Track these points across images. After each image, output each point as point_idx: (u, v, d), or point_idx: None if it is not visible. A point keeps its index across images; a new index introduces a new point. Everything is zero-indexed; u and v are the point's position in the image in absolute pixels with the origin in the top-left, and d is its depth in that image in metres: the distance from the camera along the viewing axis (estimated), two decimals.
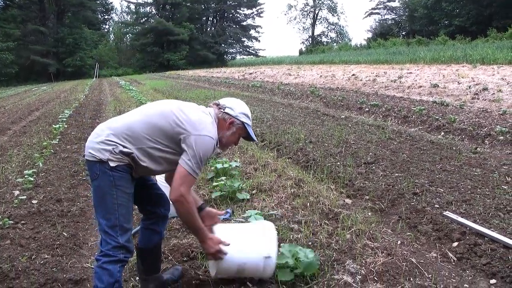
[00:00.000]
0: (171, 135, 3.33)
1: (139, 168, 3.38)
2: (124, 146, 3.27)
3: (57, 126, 13.03)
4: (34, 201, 6.44)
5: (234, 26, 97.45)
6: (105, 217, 3.27)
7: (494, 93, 16.21)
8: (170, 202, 3.50)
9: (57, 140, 11.07)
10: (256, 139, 3.85)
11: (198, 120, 3.38)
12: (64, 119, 15.06)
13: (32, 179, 7.29)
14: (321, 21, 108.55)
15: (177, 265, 4.30)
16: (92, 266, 4.67)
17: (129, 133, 3.30)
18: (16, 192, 6.82)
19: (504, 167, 7.44)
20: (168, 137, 3.34)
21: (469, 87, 18.28)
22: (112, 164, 3.24)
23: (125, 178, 3.33)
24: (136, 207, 3.85)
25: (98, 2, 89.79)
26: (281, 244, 4.42)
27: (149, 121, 3.36)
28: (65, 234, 5.32)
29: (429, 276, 4.09)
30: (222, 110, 3.61)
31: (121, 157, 3.27)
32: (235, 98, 3.82)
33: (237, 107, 3.64)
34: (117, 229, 3.27)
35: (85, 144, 3.44)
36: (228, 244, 3.59)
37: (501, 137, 9.39)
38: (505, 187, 6.39)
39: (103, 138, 3.30)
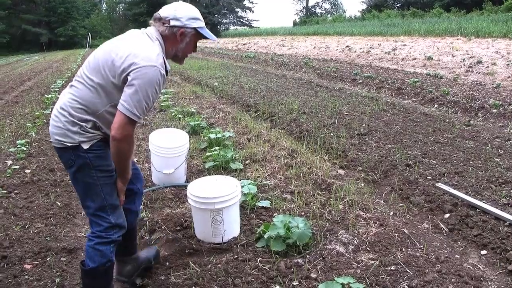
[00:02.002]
0: (119, 87, 2.97)
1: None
2: (87, 121, 3.01)
3: (50, 96, 12.97)
4: (27, 171, 6.43)
5: None
6: (91, 200, 3.12)
7: (488, 66, 16.18)
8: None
9: (50, 110, 10.99)
10: (215, 38, 3.42)
11: (133, 54, 2.93)
12: (57, 89, 14.98)
13: (24, 148, 7.27)
14: None
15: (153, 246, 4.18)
16: (85, 235, 4.69)
17: (83, 104, 3.00)
18: (9, 162, 6.82)
19: (497, 140, 7.47)
20: (117, 90, 2.99)
21: (463, 60, 18.24)
22: (85, 146, 3.02)
23: (102, 156, 3.12)
24: None
25: None
26: (274, 215, 4.46)
27: (92, 85, 3.00)
28: (59, 204, 5.32)
29: (421, 246, 4.12)
30: (167, 25, 3.15)
31: (92, 134, 3.04)
32: (175, 2, 3.29)
33: (182, 14, 3.15)
34: (107, 209, 3.15)
35: (49, 130, 3.17)
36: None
37: (494, 110, 9.41)
38: (497, 160, 6.42)
39: (63, 119, 3.01)
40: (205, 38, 3.28)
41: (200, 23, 3.23)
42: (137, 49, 2.96)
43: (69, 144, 3.00)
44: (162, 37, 3.16)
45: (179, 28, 3.14)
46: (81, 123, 2.98)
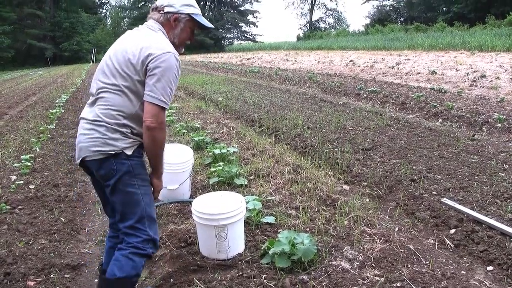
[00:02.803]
0: (142, 82, 3.00)
1: None
2: (126, 126, 3.01)
3: (54, 110, 13.05)
4: (31, 186, 6.44)
5: (231, 11, 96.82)
6: (131, 212, 3.05)
7: (492, 80, 16.18)
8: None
9: (54, 125, 11.07)
10: (211, 26, 3.44)
11: (146, 47, 3.00)
12: (61, 104, 15.07)
13: (29, 164, 7.28)
14: (319, 7, 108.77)
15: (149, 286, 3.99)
16: (89, 252, 4.68)
17: (117, 109, 2.98)
18: (13, 177, 6.82)
19: (502, 154, 7.44)
20: (142, 86, 3.00)
21: (467, 74, 18.24)
22: (128, 152, 3.02)
23: (141, 163, 3.15)
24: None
25: None
26: (279, 231, 4.45)
27: (118, 89, 3.00)
28: (63, 220, 5.32)
29: (427, 262, 4.10)
30: (162, 11, 3.23)
31: (133, 139, 3.05)
32: None
33: (176, 1, 3.22)
34: (145, 220, 3.08)
35: (78, 148, 3.08)
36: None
37: (499, 125, 9.38)
38: (503, 174, 6.39)
39: (101, 129, 2.97)
40: (201, 26, 3.36)
41: (194, 10, 3.28)
42: (147, 41, 3.04)
43: (112, 152, 2.97)
44: (160, 24, 3.24)
45: (172, 14, 3.22)
46: (121, 129, 3.00)
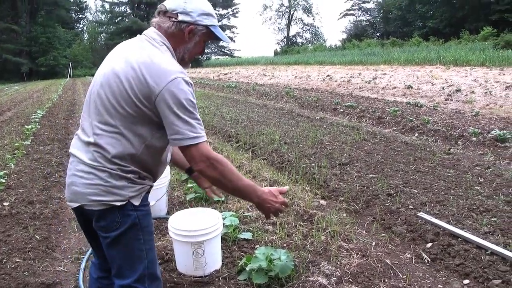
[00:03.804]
0: (143, 118, 2.48)
1: (157, 174, 2.78)
2: (133, 172, 2.55)
3: (30, 126, 12.89)
4: (6, 203, 6.34)
5: None
6: (131, 269, 2.61)
7: (467, 95, 16.42)
8: None
9: (30, 141, 10.93)
10: (229, 40, 2.95)
11: (147, 75, 2.41)
12: (37, 120, 14.91)
13: (3, 180, 7.17)
14: (296, 22, 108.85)
15: None
16: (65, 270, 4.62)
17: (116, 154, 2.49)
18: None
19: (477, 167, 7.52)
20: (141, 123, 2.50)
21: (443, 88, 18.47)
22: (136, 202, 2.56)
23: (149, 212, 2.71)
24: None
25: (72, 1, 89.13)
26: (256, 247, 4.44)
27: (113, 131, 2.49)
28: (37, 237, 5.23)
29: (404, 277, 4.12)
30: (174, 19, 2.59)
31: (141, 186, 2.60)
32: None
33: (194, 8, 2.60)
34: (145, 279, 2.64)
35: (71, 191, 2.58)
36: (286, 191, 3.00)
37: (474, 138, 9.49)
38: (478, 188, 6.45)
39: (103, 175, 2.49)
40: (217, 39, 2.76)
41: (214, 21, 2.71)
42: (146, 64, 2.43)
43: (117, 204, 2.49)
44: (167, 35, 2.62)
45: (188, 24, 2.60)
46: (127, 175, 2.51)
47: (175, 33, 2.61)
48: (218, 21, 2.86)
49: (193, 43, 2.68)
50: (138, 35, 2.70)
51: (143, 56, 2.47)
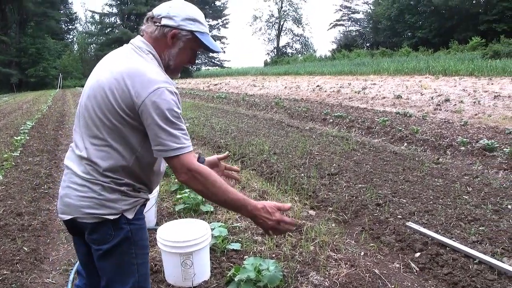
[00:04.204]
0: (131, 128, 2.41)
1: (153, 185, 2.70)
2: (127, 184, 2.49)
3: (19, 138, 12.84)
4: None
5: None
6: (121, 283, 2.55)
7: (455, 104, 16.53)
8: None
9: (19, 152, 10.89)
10: (219, 49, 2.76)
11: (130, 86, 2.34)
12: (26, 131, 14.85)
13: None
14: (286, 32, 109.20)
15: None
16: (53, 281, 4.60)
17: (108, 166, 2.43)
18: None
19: (465, 177, 7.56)
20: (130, 133, 2.43)
21: (432, 98, 18.59)
22: (129, 215, 2.50)
23: (143, 226, 2.64)
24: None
25: (61, 12, 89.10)
26: (245, 257, 4.44)
27: (103, 144, 2.44)
28: (26, 249, 5.21)
29: (392, 286, 4.13)
30: (158, 24, 2.51)
31: (135, 199, 2.54)
32: (176, 0, 2.61)
33: (177, 12, 2.51)
34: None
35: (64, 202, 2.53)
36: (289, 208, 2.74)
37: (462, 148, 9.54)
38: (466, 197, 6.48)
39: (96, 188, 2.44)
40: (206, 48, 2.65)
41: (200, 27, 2.59)
42: (129, 74, 2.35)
43: (111, 217, 2.44)
44: (152, 40, 2.55)
45: (171, 28, 2.50)
46: (121, 188, 2.45)
47: (159, 38, 2.53)
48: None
49: (177, 48, 2.56)
50: (125, 45, 2.63)
51: (127, 66, 2.41)
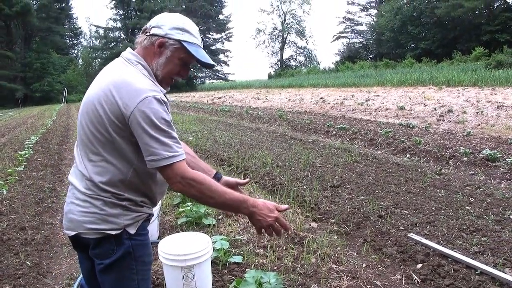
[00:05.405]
0: (126, 141, 2.40)
1: (156, 198, 2.67)
2: (128, 199, 2.47)
3: (23, 152, 12.88)
4: None
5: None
6: None
7: (458, 115, 16.52)
8: None
9: (23, 167, 10.92)
10: (211, 62, 2.65)
11: (117, 98, 2.32)
12: (31, 145, 14.90)
13: None
14: (289, 45, 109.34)
15: None
16: None
17: (107, 181, 2.42)
18: None
19: (468, 187, 7.56)
20: (127, 147, 2.41)
21: (435, 109, 18.58)
22: (131, 230, 2.48)
23: (145, 242, 2.61)
24: None
25: (66, 27, 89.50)
26: (246, 270, 4.45)
27: (100, 160, 2.43)
28: (28, 263, 5.23)
29: None
30: (148, 33, 2.53)
31: (137, 214, 2.52)
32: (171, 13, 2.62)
33: (167, 22, 2.52)
34: None
35: (68, 218, 2.53)
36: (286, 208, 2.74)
37: (465, 158, 9.54)
38: (468, 208, 6.49)
39: (98, 203, 2.43)
40: (196, 60, 2.58)
41: (190, 37, 2.54)
42: (117, 88, 2.33)
43: (113, 232, 2.42)
44: (142, 50, 2.56)
45: (158, 37, 2.50)
46: (122, 203, 2.44)
47: (147, 47, 2.53)
48: (211, 45, 2.76)
49: (165, 58, 2.52)
50: (116, 58, 2.62)
51: (113, 78, 2.40)
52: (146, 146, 2.30)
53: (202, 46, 2.65)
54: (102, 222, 2.41)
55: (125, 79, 2.36)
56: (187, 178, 2.35)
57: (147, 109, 2.27)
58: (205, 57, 2.61)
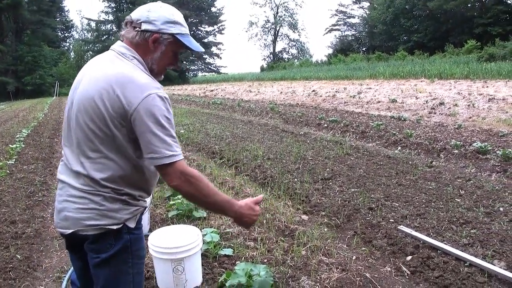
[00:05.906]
0: (126, 138, 2.38)
1: (151, 189, 2.69)
2: (127, 193, 2.48)
3: (14, 146, 12.82)
4: None
5: None
6: None
7: (450, 108, 16.57)
8: None
9: (14, 160, 10.88)
10: (201, 49, 2.71)
11: (121, 94, 2.31)
12: (22, 139, 14.83)
13: None
14: (282, 38, 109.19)
15: None
16: None
17: (107, 177, 2.40)
18: None
19: (458, 180, 7.59)
20: (126, 143, 2.40)
21: (427, 101, 18.63)
22: (131, 224, 2.50)
23: (141, 236, 2.63)
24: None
25: (57, 19, 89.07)
26: (236, 263, 4.45)
27: (100, 156, 2.40)
28: (19, 257, 5.22)
29: None
30: (138, 29, 2.48)
31: (135, 208, 2.54)
32: (154, 3, 2.58)
33: (157, 16, 2.48)
34: None
35: (63, 216, 2.48)
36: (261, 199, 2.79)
37: (456, 151, 9.57)
38: (458, 200, 6.52)
39: (97, 199, 2.40)
40: (187, 48, 2.60)
41: (181, 29, 2.55)
42: (118, 81, 2.32)
43: (114, 227, 2.42)
44: (133, 46, 2.52)
45: (152, 33, 2.47)
46: (122, 197, 2.44)
47: (140, 43, 2.50)
48: (204, 38, 2.79)
49: (160, 52, 2.53)
50: (106, 52, 2.60)
51: (115, 74, 2.36)
52: (148, 143, 2.30)
53: (189, 32, 2.64)
54: (102, 218, 2.40)
55: (127, 75, 2.36)
56: (187, 174, 2.36)
57: (150, 106, 2.28)
58: (197, 46, 2.62)
